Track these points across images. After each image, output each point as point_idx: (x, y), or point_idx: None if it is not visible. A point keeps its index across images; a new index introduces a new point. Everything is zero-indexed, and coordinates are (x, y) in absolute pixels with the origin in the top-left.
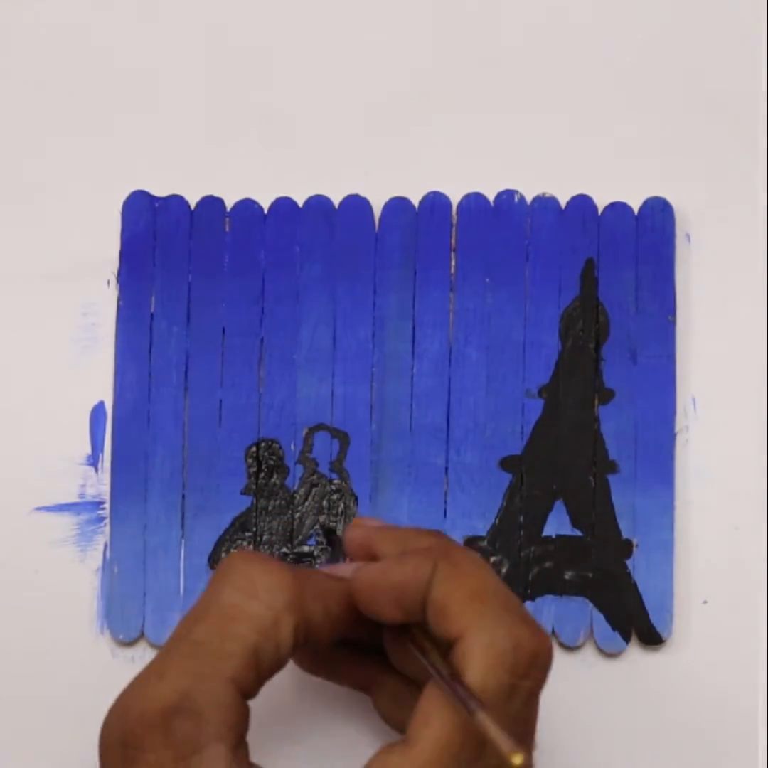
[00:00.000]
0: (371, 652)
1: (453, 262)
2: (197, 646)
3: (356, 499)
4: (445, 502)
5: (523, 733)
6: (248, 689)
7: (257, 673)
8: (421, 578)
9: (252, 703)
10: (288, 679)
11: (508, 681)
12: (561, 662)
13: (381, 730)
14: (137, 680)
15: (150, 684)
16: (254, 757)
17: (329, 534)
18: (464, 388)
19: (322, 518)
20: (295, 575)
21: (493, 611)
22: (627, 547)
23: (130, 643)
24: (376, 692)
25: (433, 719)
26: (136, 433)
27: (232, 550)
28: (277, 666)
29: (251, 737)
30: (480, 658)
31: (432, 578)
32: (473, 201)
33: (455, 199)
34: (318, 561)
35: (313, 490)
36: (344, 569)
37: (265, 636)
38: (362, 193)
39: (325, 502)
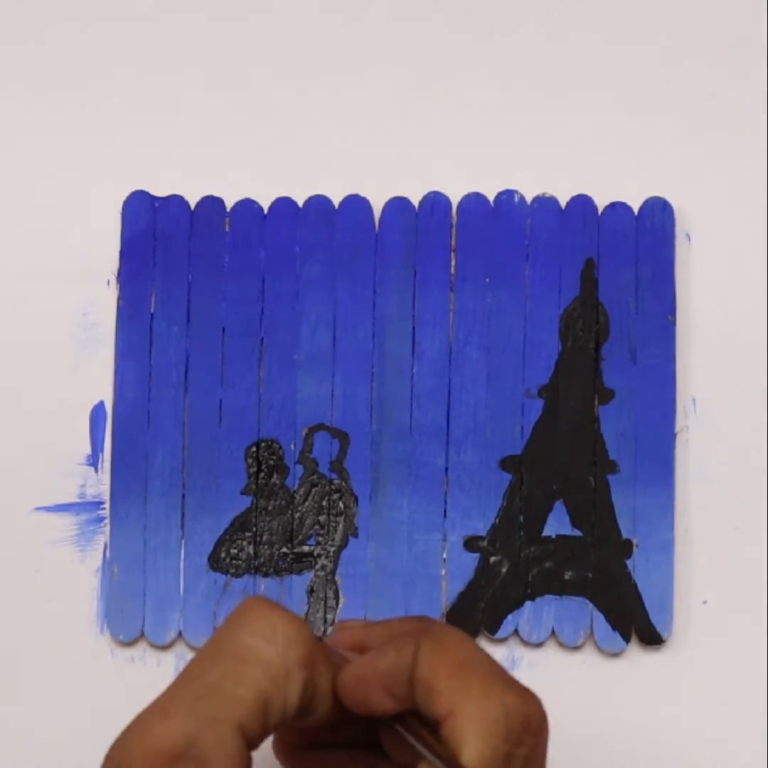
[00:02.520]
0: (360, 748)
1: (453, 262)
2: (208, 688)
3: (356, 499)
4: (445, 502)
5: None
6: (252, 740)
7: (263, 724)
8: (406, 660)
9: None
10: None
11: (504, 749)
12: (561, 662)
13: None
14: (142, 717)
15: (155, 723)
16: None
17: None
18: (464, 388)
19: (322, 518)
20: (312, 633)
21: (480, 681)
22: (627, 547)
23: (130, 643)
24: None
25: None
26: (136, 433)
27: (231, 551)
28: (281, 722)
29: None
30: (472, 730)
31: (416, 657)
32: (473, 201)
33: (455, 199)
34: (316, 562)
35: (313, 490)
36: (352, 653)
37: (276, 685)
38: (362, 193)
39: (325, 502)
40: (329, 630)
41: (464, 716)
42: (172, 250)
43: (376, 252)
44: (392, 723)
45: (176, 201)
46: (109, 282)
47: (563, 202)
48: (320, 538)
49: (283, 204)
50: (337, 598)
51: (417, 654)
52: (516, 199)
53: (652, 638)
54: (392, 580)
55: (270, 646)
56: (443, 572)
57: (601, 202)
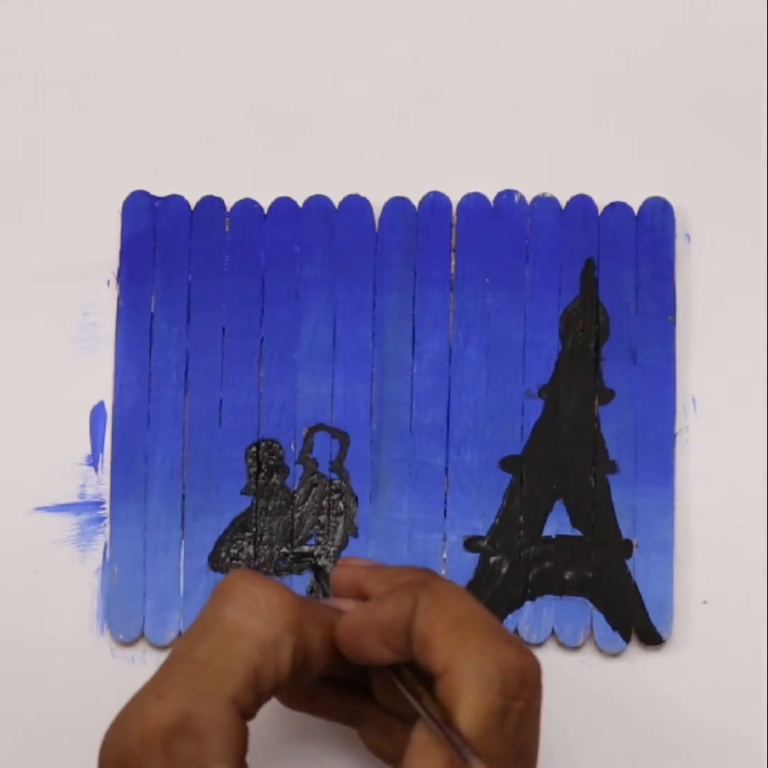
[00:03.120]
0: (354, 686)
1: (453, 262)
2: (198, 665)
3: (356, 499)
4: (445, 502)
5: (521, 755)
6: (247, 710)
7: (257, 694)
8: (404, 613)
9: None
10: (273, 713)
11: (500, 704)
12: (561, 662)
13: (370, 762)
14: (136, 699)
15: (149, 703)
16: None
17: (318, 571)
18: (464, 388)
19: (322, 518)
20: (297, 598)
21: (477, 637)
22: (627, 547)
23: (130, 643)
24: (363, 726)
25: (431, 750)
26: (136, 433)
27: (232, 552)
28: (276, 689)
29: None
30: (468, 685)
31: (414, 611)
32: (473, 201)
33: (455, 199)
34: (318, 561)
35: (313, 490)
36: (343, 603)
37: (266, 655)
38: (362, 193)
39: (325, 502)
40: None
41: (460, 671)
42: (172, 250)
43: (376, 252)
44: (388, 672)
45: (176, 201)
46: (109, 282)
47: (563, 202)
48: (320, 538)
49: (283, 204)
50: None
51: (415, 607)
52: (516, 199)
53: (652, 638)
54: None
55: (255, 618)
56: (443, 572)
57: (601, 202)
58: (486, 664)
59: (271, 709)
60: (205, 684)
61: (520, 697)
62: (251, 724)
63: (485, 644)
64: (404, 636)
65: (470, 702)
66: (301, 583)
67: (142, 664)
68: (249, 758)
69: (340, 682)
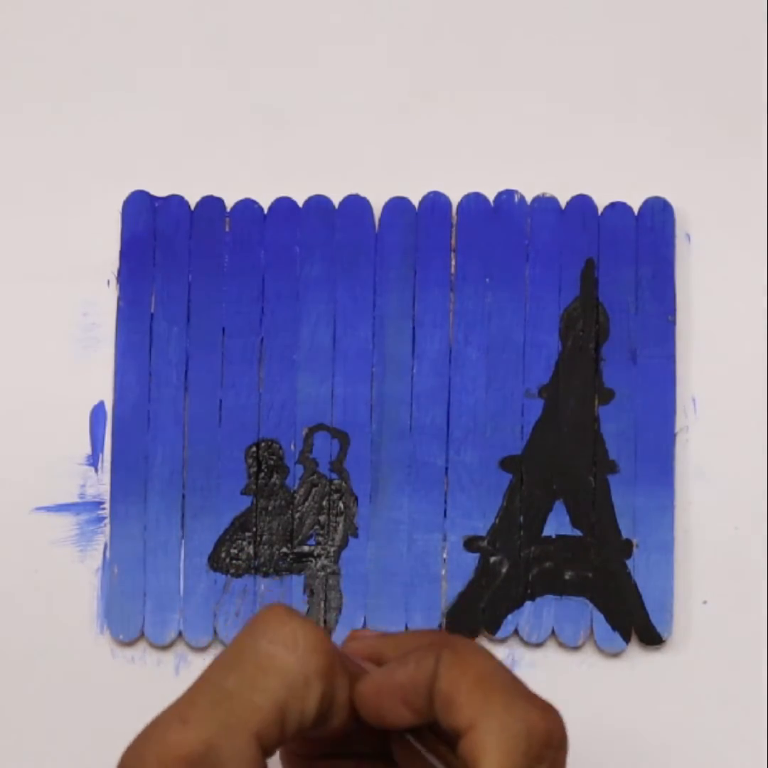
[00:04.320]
0: (374, 759)
1: (453, 262)
2: (226, 695)
3: (356, 499)
4: (445, 502)
5: None
6: (269, 748)
7: (280, 733)
8: (426, 672)
9: None
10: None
11: (524, 765)
12: (561, 662)
13: None
14: (158, 722)
15: (172, 728)
16: None
17: None
18: (464, 388)
19: (322, 518)
20: (331, 642)
21: (501, 696)
22: (627, 547)
23: (130, 643)
24: None
25: None
26: (136, 433)
27: (231, 551)
28: (298, 731)
29: None
30: (493, 745)
31: (437, 670)
32: (473, 201)
33: (455, 199)
34: (316, 562)
35: (313, 490)
36: (369, 664)
37: (294, 694)
38: (362, 193)
39: (325, 502)
40: (333, 633)
41: (485, 730)
42: (172, 250)
43: (376, 252)
44: (408, 736)
45: (176, 201)
46: (109, 282)
47: (563, 202)
48: (320, 538)
49: (283, 204)
50: (337, 598)
51: (438, 666)
52: (516, 199)
53: (652, 638)
54: (392, 580)
55: (290, 654)
56: (443, 572)
57: (601, 202)
58: (511, 724)
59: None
60: (232, 716)
61: (545, 758)
62: None
63: (511, 704)
64: (427, 696)
65: (495, 761)
66: (300, 583)
67: (142, 664)
68: None
69: (358, 757)
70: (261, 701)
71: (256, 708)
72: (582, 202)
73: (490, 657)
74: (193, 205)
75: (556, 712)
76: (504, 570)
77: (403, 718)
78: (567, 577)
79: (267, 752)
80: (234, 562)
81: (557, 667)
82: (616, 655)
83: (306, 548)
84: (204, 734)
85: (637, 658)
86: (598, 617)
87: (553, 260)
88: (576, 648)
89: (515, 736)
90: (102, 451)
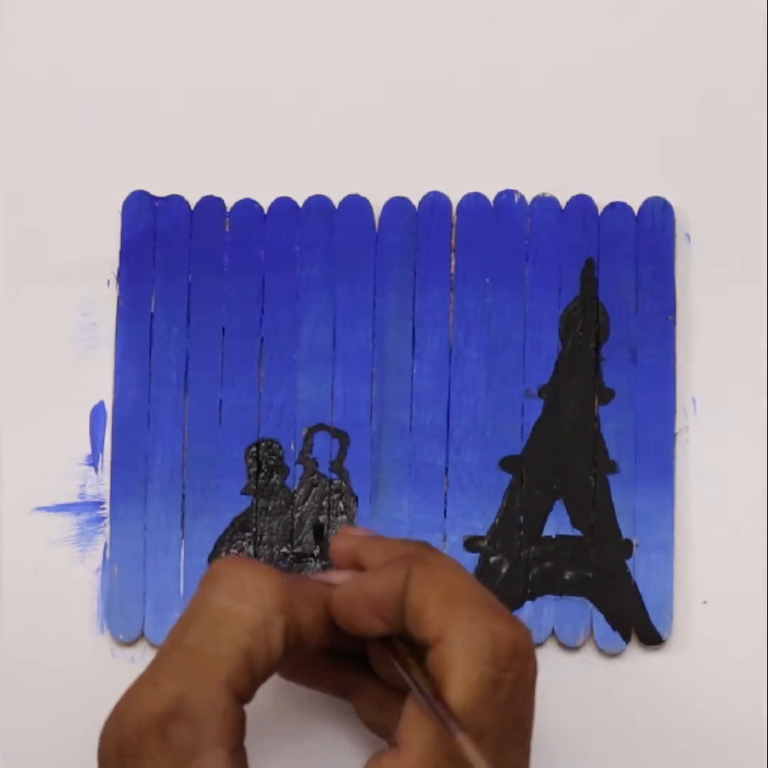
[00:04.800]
0: (351, 658)
1: (453, 262)
2: (189, 651)
3: (356, 499)
4: (445, 502)
5: (514, 728)
6: (243, 693)
7: (251, 676)
8: (397, 585)
9: None
10: (267, 685)
11: (491, 674)
12: (561, 662)
13: (364, 735)
14: (131, 688)
15: (144, 691)
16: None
17: (319, 531)
18: (464, 388)
19: (321, 518)
20: (284, 578)
21: (469, 609)
22: (627, 547)
23: (130, 643)
24: (358, 698)
25: (422, 724)
26: (136, 433)
27: (231, 551)
28: (270, 669)
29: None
30: (459, 655)
31: (407, 583)
32: (473, 201)
33: (455, 199)
34: (316, 563)
35: (313, 490)
36: (335, 577)
37: (256, 638)
38: (362, 193)
39: (325, 502)
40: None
41: (452, 642)
42: (172, 250)
43: (376, 252)
44: (379, 644)
45: (176, 201)
46: (109, 282)
47: (563, 202)
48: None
49: (283, 204)
50: None
51: (408, 580)
52: (516, 199)
53: (652, 638)
54: None
55: (242, 602)
56: None
57: (601, 202)
58: (477, 634)
59: (266, 686)
60: (198, 670)
61: (512, 668)
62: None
63: (476, 615)
64: (397, 608)
65: (461, 672)
66: None
67: (143, 664)
68: (246, 739)
69: (338, 654)
70: (224, 651)
71: (221, 658)
72: (582, 202)
73: (461, 571)
74: (193, 205)
75: (522, 625)
76: (504, 570)
77: (374, 627)
78: (567, 577)
79: (241, 697)
80: None
81: (557, 667)
82: (616, 655)
83: (306, 548)
84: (174, 691)
85: (637, 658)
86: (598, 617)
87: (553, 260)
88: (576, 648)
89: (481, 647)
90: (102, 451)
